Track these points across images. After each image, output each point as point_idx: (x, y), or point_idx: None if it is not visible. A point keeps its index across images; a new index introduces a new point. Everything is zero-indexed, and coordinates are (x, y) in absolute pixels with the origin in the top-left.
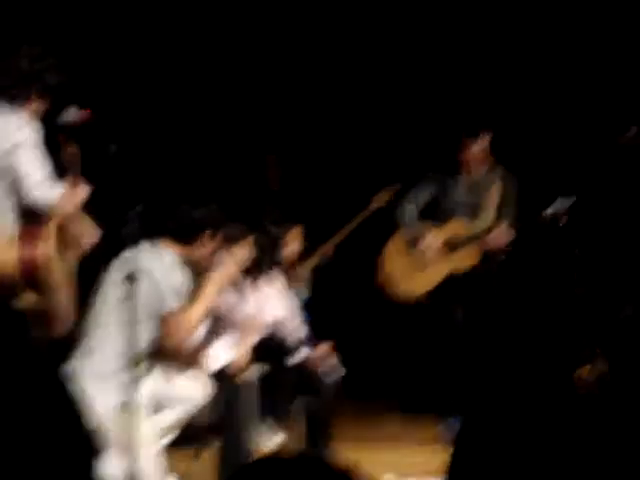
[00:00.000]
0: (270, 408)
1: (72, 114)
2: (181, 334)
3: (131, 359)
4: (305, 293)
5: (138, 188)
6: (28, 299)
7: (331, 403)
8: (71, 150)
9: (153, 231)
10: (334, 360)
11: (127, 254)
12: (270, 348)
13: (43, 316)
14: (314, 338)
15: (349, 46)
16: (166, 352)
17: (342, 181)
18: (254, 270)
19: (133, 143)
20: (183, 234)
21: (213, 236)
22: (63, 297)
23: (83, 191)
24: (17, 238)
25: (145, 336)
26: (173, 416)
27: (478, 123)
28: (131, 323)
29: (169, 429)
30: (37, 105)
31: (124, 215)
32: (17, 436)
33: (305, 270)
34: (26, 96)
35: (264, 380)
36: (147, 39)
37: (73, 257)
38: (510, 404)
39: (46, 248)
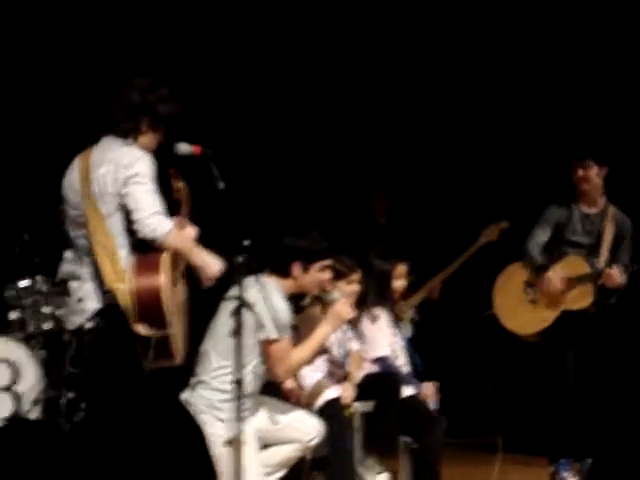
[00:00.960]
0: (375, 445)
1: (184, 148)
2: (288, 370)
3: (239, 391)
4: (410, 331)
5: (246, 222)
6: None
7: (439, 442)
8: (179, 185)
9: (260, 264)
10: (437, 400)
11: (235, 289)
12: (376, 385)
13: (160, 347)
14: (420, 375)
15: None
16: (273, 380)
17: (450, 216)
18: (361, 305)
19: (241, 177)
20: (274, 264)
21: (320, 266)
22: (176, 328)
23: (191, 231)
24: (131, 270)
25: (250, 367)
26: (283, 454)
27: (592, 152)
28: (238, 355)
29: (278, 466)
30: (150, 137)
31: (234, 250)
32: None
33: (410, 307)
34: (138, 128)
35: (370, 417)
36: (254, 70)
37: (185, 289)
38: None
39: (160, 280)
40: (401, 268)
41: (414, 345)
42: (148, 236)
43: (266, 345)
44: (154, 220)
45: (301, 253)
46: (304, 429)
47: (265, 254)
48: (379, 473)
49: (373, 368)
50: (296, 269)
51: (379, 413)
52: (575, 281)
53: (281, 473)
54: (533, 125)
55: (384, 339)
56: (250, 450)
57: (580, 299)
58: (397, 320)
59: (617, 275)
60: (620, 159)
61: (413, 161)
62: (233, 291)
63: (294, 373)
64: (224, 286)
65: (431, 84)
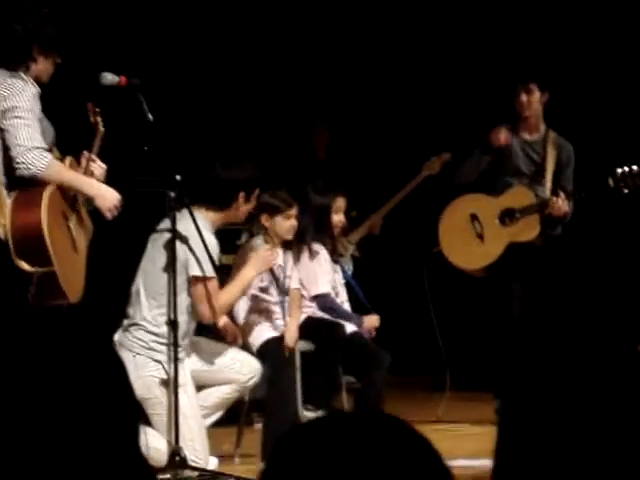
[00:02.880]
0: (315, 386)
1: (109, 78)
2: (214, 312)
3: (174, 331)
4: (350, 268)
5: (177, 155)
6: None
7: (382, 380)
8: (96, 120)
9: (191, 198)
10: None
11: (166, 223)
12: (316, 323)
13: (46, 284)
14: (362, 311)
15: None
16: (201, 320)
17: (391, 149)
18: (299, 241)
19: (171, 109)
20: (217, 198)
21: (249, 198)
22: (67, 265)
23: (98, 169)
24: (10, 206)
25: (185, 305)
26: (220, 395)
27: (533, 77)
28: (172, 292)
29: (214, 408)
30: (44, 64)
31: (165, 184)
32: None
33: (351, 243)
34: (29, 58)
35: (311, 356)
36: None
37: (86, 225)
38: (557, 381)
39: (40, 215)
40: (340, 202)
41: (356, 281)
42: (24, 173)
43: (194, 283)
44: (30, 156)
45: (245, 183)
46: (241, 369)
47: (201, 186)
48: (318, 414)
49: (313, 306)
50: (240, 199)
51: (320, 353)
52: (519, 212)
53: (218, 415)
54: (473, 52)
55: (324, 275)
56: (187, 392)
57: (526, 231)
58: (337, 256)
59: (563, 204)
60: (558, 85)
61: (354, 94)
62: (164, 224)
63: (219, 315)
64: (154, 222)
65: (374, 12)
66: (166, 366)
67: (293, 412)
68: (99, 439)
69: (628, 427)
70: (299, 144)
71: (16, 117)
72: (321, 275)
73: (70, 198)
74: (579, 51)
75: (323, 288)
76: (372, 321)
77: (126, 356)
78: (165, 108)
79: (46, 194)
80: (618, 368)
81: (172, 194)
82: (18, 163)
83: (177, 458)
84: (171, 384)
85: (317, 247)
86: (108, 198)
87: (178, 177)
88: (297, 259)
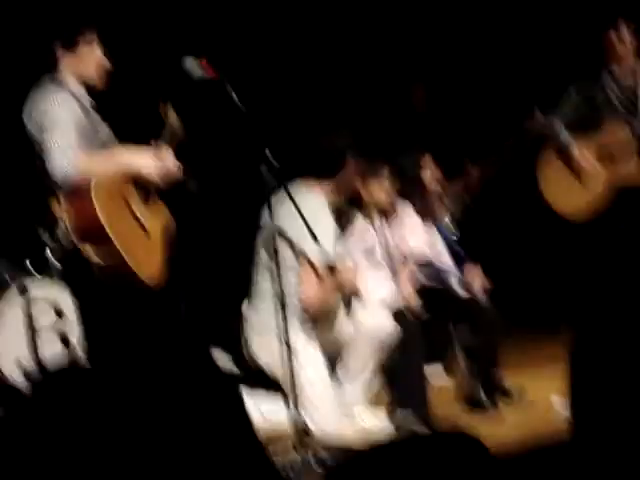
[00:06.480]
0: (430, 343)
1: (196, 72)
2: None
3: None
4: (452, 227)
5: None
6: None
7: (493, 331)
8: (169, 114)
9: (289, 172)
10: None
11: (267, 211)
12: (426, 295)
13: (116, 269)
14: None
15: None
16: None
17: (490, 104)
18: (392, 205)
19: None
20: (322, 167)
21: (353, 166)
22: (131, 247)
23: (169, 162)
24: (63, 200)
25: (292, 290)
26: (360, 353)
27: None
28: (278, 280)
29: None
30: (77, 60)
31: (258, 161)
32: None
33: (452, 200)
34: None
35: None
36: None
37: (162, 216)
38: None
39: (91, 200)
40: (427, 160)
41: (457, 240)
42: (57, 178)
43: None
44: (58, 154)
45: (345, 149)
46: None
47: (306, 157)
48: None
49: (414, 266)
50: (348, 166)
51: (430, 311)
52: (618, 150)
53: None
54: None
55: (420, 236)
56: (304, 361)
57: (631, 168)
58: (435, 216)
59: None
60: None
61: (449, 51)
62: (266, 218)
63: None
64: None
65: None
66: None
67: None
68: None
69: None
70: (399, 100)
71: (43, 127)
72: (418, 235)
73: (133, 187)
74: None
75: (420, 249)
76: (471, 272)
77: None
78: (250, 78)
79: (92, 184)
80: None
81: (266, 170)
82: (48, 169)
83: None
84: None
85: (406, 208)
86: (153, 165)
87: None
88: (392, 222)
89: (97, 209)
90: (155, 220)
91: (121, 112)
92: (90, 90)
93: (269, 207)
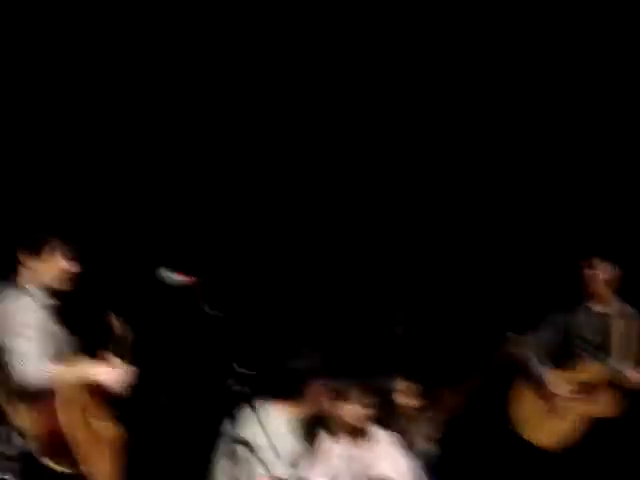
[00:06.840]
0: None
1: (175, 279)
2: None
3: None
4: (432, 451)
5: (239, 347)
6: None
7: None
8: (118, 325)
9: (260, 390)
10: None
11: (230, 423)
12: None
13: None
14: None
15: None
16: None
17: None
18: (365, 427)
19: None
20: (288, 388)
21: (320, 388)
22: (98, 463)
23: (124, 375)
24: (28, 412)
25: None
26: None
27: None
28: None
29: None
30: (41, 267)
31: (228, 377)
32: None
33: (430, 426)
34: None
35: None
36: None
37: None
38: None
39: (60, 417)
40: (408, 387)
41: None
42: (26, 385)
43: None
44: (28, 362)
45: (312, 372)
46: None
47: (271, 379)
48: None
49: None
50: (314, 388)
51: None
52: (593, 386)
53: None
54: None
55: (391, 463)
56: None
57: (605, 405)
58: (409, 443)
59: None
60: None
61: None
62: (229, 428)
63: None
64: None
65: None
66: None
67: None
68: None
69: None
70: (377, 325)
71: (7, 331)
72: (389, 462)
73: (90, 393)
74: None
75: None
76: None
77: None
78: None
79: (58, 399)
80: None
81: (236, 386)
82: (18, 376)
83: None
84: None
85: (385, 433)
86: (110, 374)
87: (242, 369)
88: (364, 445)
89: (63, 425)
90: (110, 430)
91: (70, 322)
92: (51, 292)
93: (232, 417)
